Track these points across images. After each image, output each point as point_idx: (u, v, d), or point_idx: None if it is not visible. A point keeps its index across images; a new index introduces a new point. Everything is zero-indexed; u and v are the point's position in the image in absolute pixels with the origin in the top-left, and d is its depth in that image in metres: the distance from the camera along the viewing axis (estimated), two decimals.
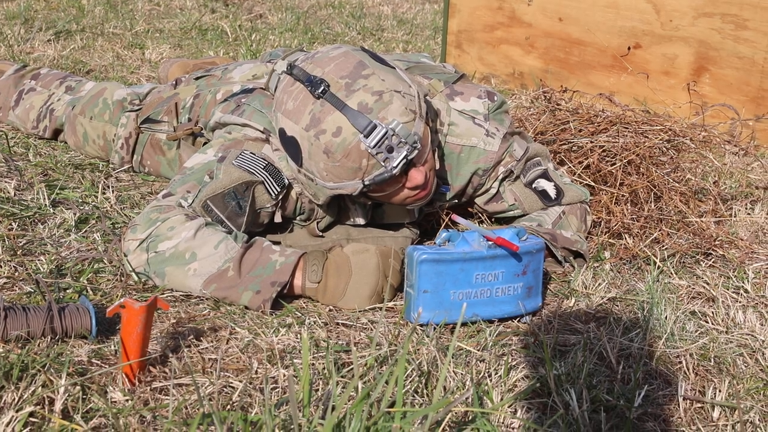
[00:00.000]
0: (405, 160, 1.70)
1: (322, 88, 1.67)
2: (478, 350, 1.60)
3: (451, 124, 1.97)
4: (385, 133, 1.66)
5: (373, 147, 1.66)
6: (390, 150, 1.67)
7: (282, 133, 1.76)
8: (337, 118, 1.66)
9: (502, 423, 1.37)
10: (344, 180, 1.73)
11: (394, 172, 1.70)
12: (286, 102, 1.73)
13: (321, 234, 1.99)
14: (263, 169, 1.86)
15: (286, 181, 1.90)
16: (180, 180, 1.87)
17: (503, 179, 2.06)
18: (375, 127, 1.65)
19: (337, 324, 1.69)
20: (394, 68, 1.76)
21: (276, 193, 1.88)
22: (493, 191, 2.07)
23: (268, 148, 1.90)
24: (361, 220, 1.99)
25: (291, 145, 1.74)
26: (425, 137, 1.75)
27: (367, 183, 1.72)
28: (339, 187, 1.75)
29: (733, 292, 1.95)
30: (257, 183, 1.85)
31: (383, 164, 1.69)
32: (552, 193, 2.08)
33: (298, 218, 2.00)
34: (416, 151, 1.71)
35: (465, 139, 1.98)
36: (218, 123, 2.01)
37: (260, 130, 1.91)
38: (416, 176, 1.76)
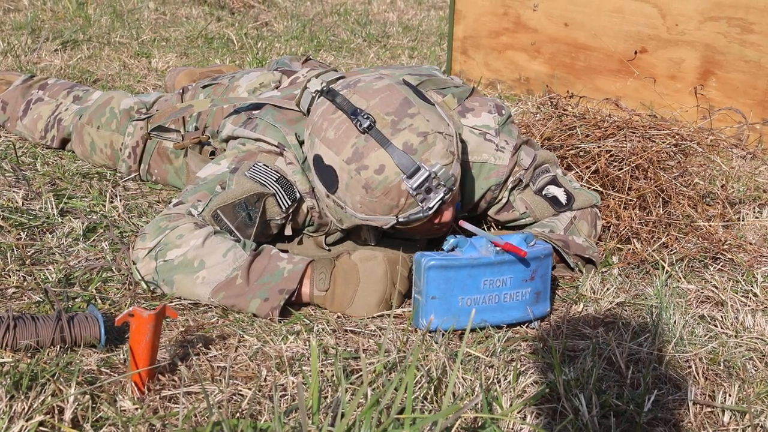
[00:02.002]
0: (441, 202, 1.71)
1: (368, 123, 1.67)
2: (487, 356, 1.60)
3: (463, 141, 1.97)
4: (428, 176, 1.66)
5: (415, 188, 1.66)
6: (428, 191, 1.68)
7: (318, 160, 1.74)
8: (381, 155, 1.66)
9: (512, 429, 1.37)
10: (378, 215, 1.72)
11: (429, 213, 1.71)
12: (326, 130, 1.72)
13: (327, 248, 2.00)
14: (275, 181, 1.87)
15: (298, 194, 1.89)
16: (192, 189, 1.87)
17: (513, 188, 2.05)
18: (419, 169, 1.66)
19: (346, 331, 1.69)
20: (434, 104, 1.76)
21: (287, 206, 1.88)
22: (503, 201, 2.07)
23: (282, 161, 1.90)
24: (372, 242, 1.99)
25: (328, 174, 1.73)
26: (459, 177, 1.76)
27: (401, 220, 1.73)
28: (370, 220, 1.75)
29: (742, 296, 1.95)
30: (268, 195, 1.85)
31: (420, 204, 1.69)
32: (563, 198, 2.07)
33: (306, 229, 2.00)
34: (451, 193, 1.71)
35: (476, 156, 1.98)
36: (230, 135, 2.01)
37: (274, 145, 1.91)
38: (447, 215, 1.78)
